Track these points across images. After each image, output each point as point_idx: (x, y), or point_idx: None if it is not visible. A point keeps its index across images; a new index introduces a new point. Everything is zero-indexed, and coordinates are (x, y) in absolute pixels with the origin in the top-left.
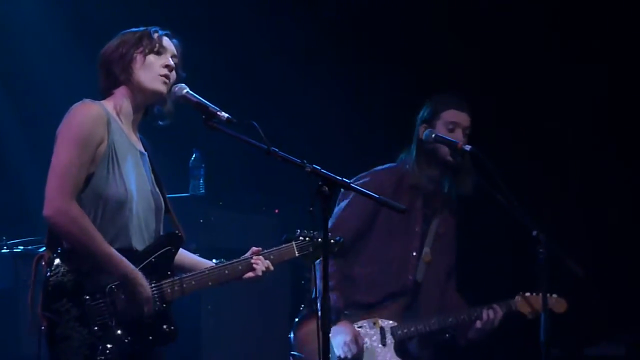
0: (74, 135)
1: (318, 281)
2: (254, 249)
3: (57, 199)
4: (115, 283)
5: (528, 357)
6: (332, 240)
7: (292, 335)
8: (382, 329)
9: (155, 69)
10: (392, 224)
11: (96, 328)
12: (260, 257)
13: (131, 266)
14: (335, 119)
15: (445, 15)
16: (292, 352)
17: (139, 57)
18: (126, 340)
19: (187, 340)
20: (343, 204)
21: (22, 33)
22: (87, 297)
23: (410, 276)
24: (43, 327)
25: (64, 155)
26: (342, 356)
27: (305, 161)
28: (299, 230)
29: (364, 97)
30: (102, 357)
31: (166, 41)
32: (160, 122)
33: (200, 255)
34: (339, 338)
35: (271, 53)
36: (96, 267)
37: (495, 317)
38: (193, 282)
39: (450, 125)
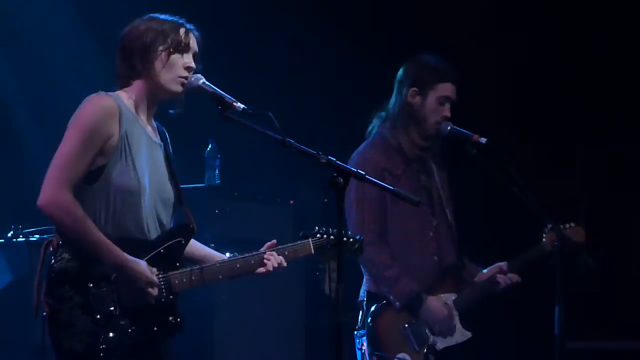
0: (80, 127)
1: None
2: (269, 243)
3: (50, 189)
4: None
5: (542, 351)
6: (351, 239)
7: (366, 332)
8: (446, 304)
9: (177, 70)
10: (400, 207)
11: (99, 316)
12: (274, 252)
13: (125, 255)
14: (352, 110)
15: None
16: (376, 353)
17: (162, 55)
18: (130, 330)
19: (201, 331)
20: (350, 206)
21: (36, 27)
22: (91, 284)
23: (435, 257)
24: (45, 313)
25: (66, 147)
26: (441, 331)
27: (320, 152)
28: (316, 227)
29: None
30: (104, 346)
31: (192, 39)
32: (171, 111)
33: (215, 246)
34: (433, 316)
35: (290, 43)
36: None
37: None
38: (203, 275)
39: (443, 99)
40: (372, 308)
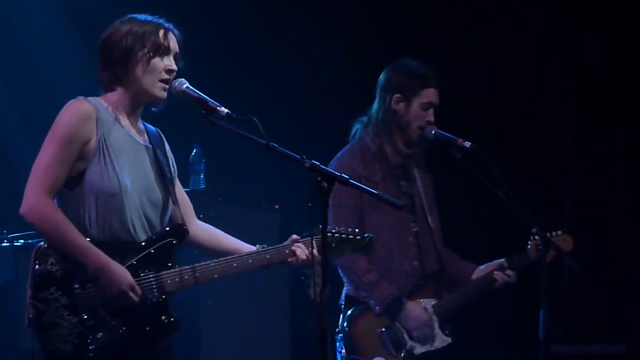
0: (57, 134)
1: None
2: (295, 236)
3: (30, 197)
4: None
5: (527, 355)
6: (358, 237)
7: (343, 336)
8: (425, 310)
9: (158, 73)
10: (378, 213)
11: (86, 317)
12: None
13: (105, 258)
14: (336, 114)
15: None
16: (351, 356)
17: (142, 60)
18: (120, 331)
19: (186, 336)
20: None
21: (24, 28)
22: (77, 285)
23: (415, 262)
24: (30, 316)
25: (44, 155)
26: (419, 337)
27: (304, 156)
28: (320, 226)
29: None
30: (93, 346)
31: (172, 39)
32: (153, 109)
33: (199, 251)
34: (412, 321)
35: (273, 47)
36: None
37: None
38: (196, 274)
39: (426, 105)
40: (349, 312)
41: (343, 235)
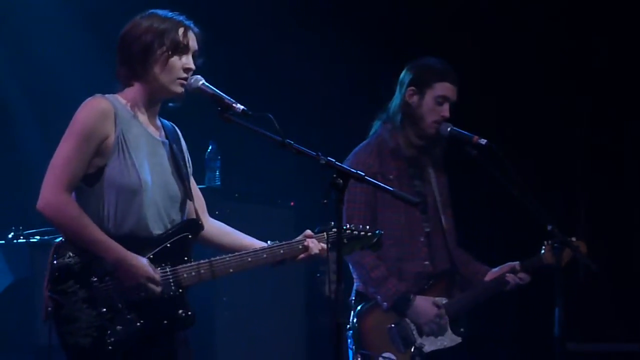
0: (75, 131)
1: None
2: (308, 232)
3: (47, 193)
4: None
5: (542, 353)
6: (369, 234)
7: (352, 332)
8: (435, 304)
9: (176, 72)
10: (390, 212)
11: (104, 310)
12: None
13: (124, 251)
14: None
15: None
16: (360, 351)
17: (161, 58)
18: (138, 324)
19: (202, 331)
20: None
21: (36, 26)
22: (95, 279)
23: (426, 262)
24: (49, 309)
25: (61, 151)
26: (429, 332)
27: (320, 153)
28: (332, 222)
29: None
30: (112, 339)
31: (191, 38)
32: (170, 105)
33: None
34: (422, 316)
35: (291, 44)
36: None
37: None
38: (212, 268)
39: (440, 98)
40: (359, 307)
41: (355, 232)
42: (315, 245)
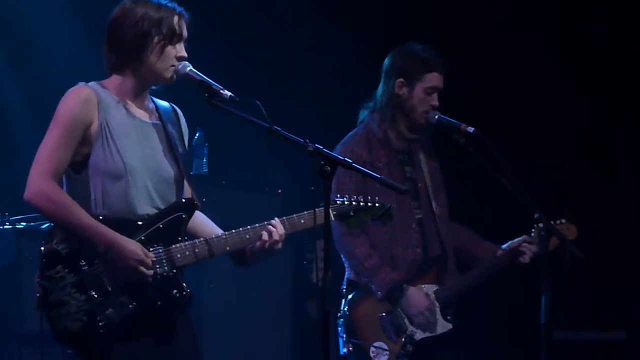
0: (59, 120)
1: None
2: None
3: (33, 182)
4: None
5: (528, 341)
6: (377, 204)
7: (344, 320)
8: (427, 295)
9: (169, 60)
10: (380, 196)
11: (94, 293)
12: (277, 221)
13: (115, 235)
14: (340, 99)
15: None
16: (351, 340)
17: (157, 47)
18: (130, 306)
19: None
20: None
21: (27, 15)
22: (84, 262)
23: (418, 249)
24: (38, 295)
25: (46, 141)
26: (420, 323)
27: (307, 140)
28: (338, 195)
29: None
30: (102, 323)
31: (183, 26)
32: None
33: None
34: (413, 307)
35: (278, 31)
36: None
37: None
38: (209, 247)
39: (430, 89)
40: (350, 296)
41: (362, 204)
42: (277, 230)
